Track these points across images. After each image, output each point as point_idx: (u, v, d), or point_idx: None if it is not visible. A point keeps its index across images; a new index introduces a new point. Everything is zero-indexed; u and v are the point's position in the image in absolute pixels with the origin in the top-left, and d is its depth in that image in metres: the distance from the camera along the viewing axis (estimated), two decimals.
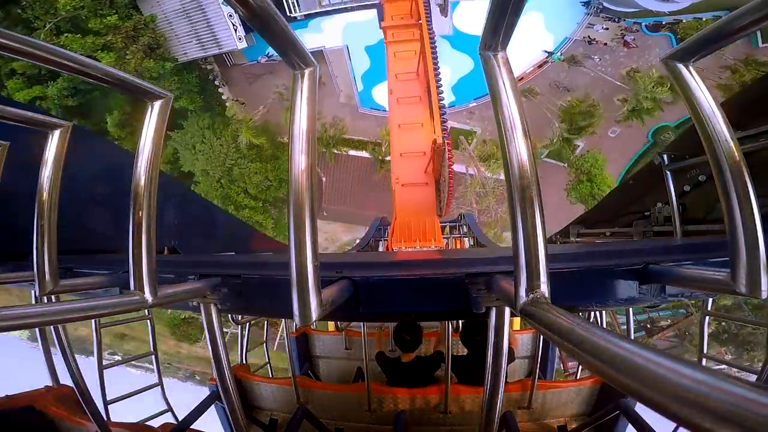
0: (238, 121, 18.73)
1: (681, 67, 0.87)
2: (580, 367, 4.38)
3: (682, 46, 0.85)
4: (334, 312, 1.00)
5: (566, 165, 18.89)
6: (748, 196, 0.81)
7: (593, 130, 18.01)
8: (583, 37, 19.17)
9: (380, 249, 7.35)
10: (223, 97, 20.23)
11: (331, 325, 5.47)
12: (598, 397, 3.22)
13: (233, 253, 3.66)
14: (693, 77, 0.86)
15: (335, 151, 19.73)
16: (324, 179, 20.80)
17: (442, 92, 5.98)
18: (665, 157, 2.64)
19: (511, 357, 3.55)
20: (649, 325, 21.74)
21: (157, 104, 1.03)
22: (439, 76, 6.01)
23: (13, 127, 1.18)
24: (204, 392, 3.16)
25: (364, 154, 19.97)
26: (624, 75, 18.50)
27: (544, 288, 0.73)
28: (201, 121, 18.95)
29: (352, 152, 20.37)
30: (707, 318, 3.06)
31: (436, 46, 6.33)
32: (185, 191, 3.27)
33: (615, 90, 18.58)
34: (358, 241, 23.59)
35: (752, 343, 18.71)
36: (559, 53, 19.10)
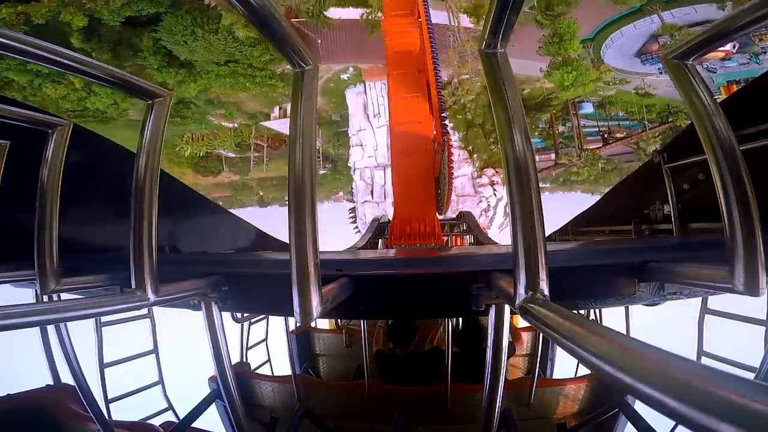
0: (231, 23, 18.71)
1: (681, 65, 0.87)
2: (580, 365, 4.38)
3: (682, 45, 0.86)
4: (335, 310, 1.00)
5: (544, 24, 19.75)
6: (747, 194, 0.81)
7: (568, 13, 18.71)
8: None
9: (380, 247, 7.35)
10: None
11: (331, 322, 5.48)
12: (597, 395, 3.23)
13: (234, 251, 3.66)
14: (693, 76, 0.86)
15: (326, 20, 19.95)
16: (319, 42, 21.60)
17: (441, 90, 5.97)
18: (665, 155, 2.64)
19: (512, 351, 3.56)
20: (605, 135, 25.23)
21: (157, 103, 1.03)
22: (439, 74, 6.00)
23: (13, 126, 1.18)
24: None
25: (355, 13, 19.96)
26: None
27: (543, 286, 0.73)
28: (182, 20, 18.88)
29: (344, 16, 20.39)
30: (706, 316, 3.07)
31: (435, 44, 6.31)
32: (186, 189, 3.27)
33: None
34: (352, 89, 23.01)
35: None
36: None
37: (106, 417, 2.66)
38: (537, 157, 26.14)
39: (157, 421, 3.47)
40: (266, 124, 26.72)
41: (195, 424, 2.67)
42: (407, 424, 2.82)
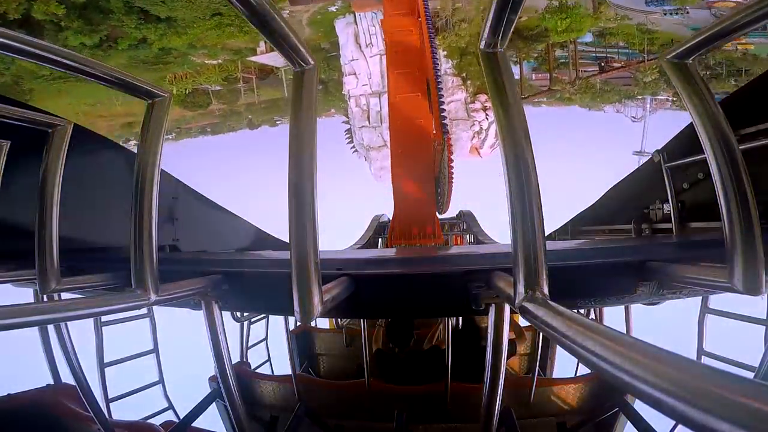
0: None
1: (681, 65, 0.87)
2: (580, 364, 4.38)
3: (682, 45, 0.85)
4: (335, 309, 1.00)
5: None
6: (746, 194, 0.81)
7: None
8: None
9: (380, 246, 7.36)
10: None
11: (331, 322, 5.48)
12: (597, 395, 3.23)
13: (234, 251, 3.66)
14: (693, 76, 0.86)
15: None
16: None
17: (441, 88, 5.98)
18: (664, 154, 2.64)
19: (512, 350, 3.56)
20: (602, 63, 25.33)
21: (157, 103, 1.03)
22: (439, 73, 6.01)
23: (13, 126, 1.18)
24: None
25: None
26: None
27: (543, 285, 0.73)
28: None
29: None
30: (706, 315, 3.07)
31: (435, 43, 6.33)
32: (186, 189, 3.27)
33: None
34: (341, 20, 23.37)
35: None
36: None
37: (107, 416, 2.66)
38: (533, 76, 26.11)
39: (157, 421, 3.47)
40: (253, 59, 26.67)
41: (195, 424, 2.68)
42: (407, 422, 2.82)
